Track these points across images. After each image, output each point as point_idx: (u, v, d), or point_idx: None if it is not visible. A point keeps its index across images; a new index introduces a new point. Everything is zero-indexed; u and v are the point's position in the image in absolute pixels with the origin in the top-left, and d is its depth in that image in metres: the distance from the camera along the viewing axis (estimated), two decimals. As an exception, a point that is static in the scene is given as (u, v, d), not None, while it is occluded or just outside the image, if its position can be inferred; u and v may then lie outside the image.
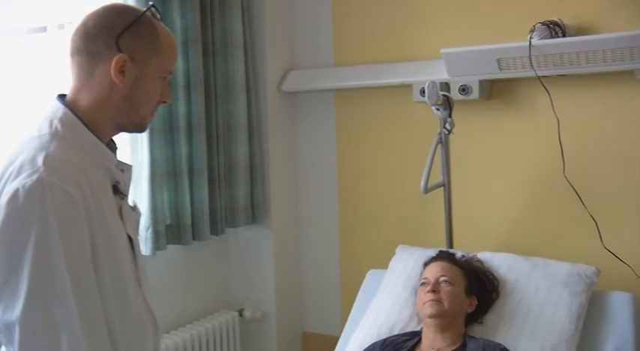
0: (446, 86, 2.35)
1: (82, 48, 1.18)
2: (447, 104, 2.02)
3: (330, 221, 2.80)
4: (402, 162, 2.60)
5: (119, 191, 1.25)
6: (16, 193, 1.05)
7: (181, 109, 2.33)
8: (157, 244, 2.19)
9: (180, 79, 2.33)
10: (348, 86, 2.66)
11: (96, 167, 1.19)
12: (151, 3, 1.24)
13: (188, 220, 2.33)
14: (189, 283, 2.55)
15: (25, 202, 1.04)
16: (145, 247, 2.17)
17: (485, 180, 2.43)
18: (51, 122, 1.15)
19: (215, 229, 2.47)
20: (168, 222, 2.30)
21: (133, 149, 2.21)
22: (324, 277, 2.84)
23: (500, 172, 2.40)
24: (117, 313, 1.19)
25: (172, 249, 2.36)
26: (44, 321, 1.05)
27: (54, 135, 1.13)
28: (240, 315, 2.71)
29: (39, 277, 1.05)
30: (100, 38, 1.17)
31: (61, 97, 1.21)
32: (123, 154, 2.13)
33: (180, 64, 2.32)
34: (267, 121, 2.71)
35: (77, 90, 1.20)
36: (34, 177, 1.06)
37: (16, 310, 1.04)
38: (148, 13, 1.21)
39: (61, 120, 1.16)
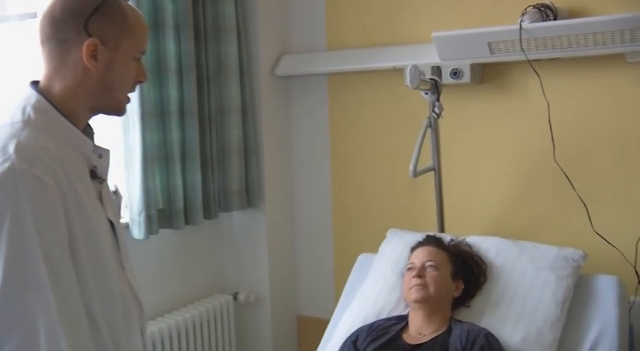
0: (437, 70, 2.34)
1: (52, 35, 1.18)
2: (435, 88, 2.01)
3: (324, 205, 2.81)
4: (394, 145, 2.59)
5: (97, 176, 1.26)
6: None
7: (173, 93, 2.33)
8: (150, 228, 2.21)
9: (172, 64, 2.33)
10: (341, 70, 2.65)
11: (71, 153, 1.19)
12: None
13: (180, 205, 2.35)
14: (184, 267, 2.58)
15: None
16: (138, 231, 2.19)
17: (478, 164, 2.43)
18: (24, 109, 1.15)
19: (208, 214, 2.49)
20: (160, 206, 2.31)
21: (125, 133, 2.22)
22: (319, 262, 2.85)
23: (492, 156, 2.40)
24: (98, 297, 1.20)
25: (165, 233, 2.37)
26: (21, 308, 1.06)
27: (26, 122, 1.14)
28: (235, 299, 2.73)
29: (14, 264, 1.05)
30: (69, 24, 1.16)
31: (34, 83, 1.21)
32: (112, 138, 2.16)
33: (171, 48, 2.32)
34: (260, 105, 2.71)
35: (50, 77, 1.20)
36: (6, 165, 1.06)
37: None
38: None
39: (34, 107, 1.16)
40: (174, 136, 2.34)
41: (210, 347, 2.56)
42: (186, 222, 2.39)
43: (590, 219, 2.15)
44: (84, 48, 1.17)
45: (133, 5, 2.08)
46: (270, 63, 2.74)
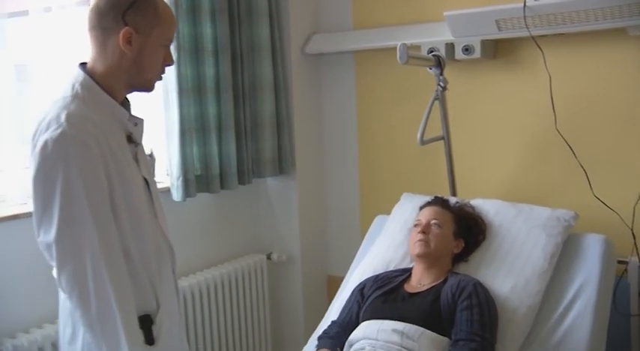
0: (451, 46, 2.52)
1: (96, 24, 1.45)
2: (439, 63, 2.20)
3: (352, 172, 3.05)
4: (415, 116, 2.74)
5: (133, 140, 1.53)
6: (45, 143, 1.34)
7: (209, 71, 2.58)
8: (187, 192, 2.48)
9: (209, 45, 2.57)
10: (365, 48, 2.85)
11: (111, 121, 1.46)
12: None
13: (216, 171, 2.62)
14: (221, 228, 2.86)
15: (52, 150, 1.34)
16: (176, 194, 2.48)
17: (487, 134, 2.61)
18: (73, 86, 1.44)
19: (242, 180, 2.75)
20: (198, 173, 2.59)
21: (165, 108, 2.49)
22: (347, 225, 3.09)
23: (501, 127, 2.57)
24: (133, 238, 1.47)
25: (203, 197, 2.65)
26: (72, 241, 1.35)
27: (75, 96, 1.42)
28: (268, 258, 3.00)
29: (66, 206, 1.34)
30: (110, 15, 1.43)
31: (82, 64, 1.49)
32: (154, 111, 2.44)
33: (208, 31, 2.57)
34: (292, 82, 2.94)
35: (94, 59, 1.47)
36: (59, 131, 1.34)
37: (52, 233, 1.35)
38: None
39: (82, 84, 1.44)
40: (211, 110, 2.60)
41: (245, 301, 2.85)
42: (222, 187, 2.66)
43: (590, 184, 2.30)
44: (121, 35, 1.43)
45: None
46: (300, 42, 2.97)
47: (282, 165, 2.91)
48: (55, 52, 2.23)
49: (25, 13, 2.24)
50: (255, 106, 2.80)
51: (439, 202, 2.18)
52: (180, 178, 2.45)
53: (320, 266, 3.17)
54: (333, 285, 3.16)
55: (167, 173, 2.54)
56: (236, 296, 2.80)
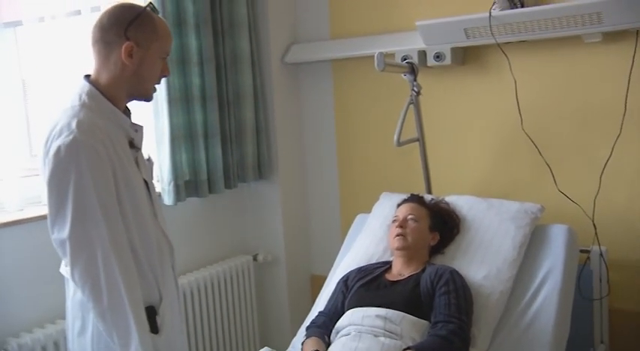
0: (423, 54, 2.69)
1: (100, 38, 1.58)
2: (412, 70, 2.37)
3: (331, 174, 3.20)
4: (390, 120, 2.90)
5: (134, 146, 1.66)
6: (58, 149, 1.47)
7: (196, 81, 2.72)
8: (178, 196, 2.61)
9: (194, 56, 2.71)
10: (342, 56, 3.01)
11: (115, 128, 1.60)
12: (150, 1, 1.63)
13: (204, 176, 2.74)
14: (209, 230, 2.99)
15: (65, 155, 1.46)
16: (168, 198, 2.60)
17: (459, 135, 2.78)
18: (80, 96, 1.57)
19: (229, 184, 2.88)
20: (187, 178, 2.71)
21: (155, 117, 2.62)
22: (328, 225, 3.24)
23: (472, 128, 2.75)
24: (138, 236, 1.61)
25: (192, 201, 2.78)
26: (84, 238, 1.48)
27: (82, 105, 1.55)
28: (254, 259, 3.13)
29: (78, 206, 1.47)
30: (112, 30, 1.57)
31: (87, 76, 1.62)
32: (145, 120, 2.55)
33: (193, 43, 2.70)
34: (272, 90, 3.09)
35: (98, 71, 1.61)
36: (71, 137, 1.47)
37: (66, 231, 1.47)
38: (147, 9, 1.60)
39: (87, 94, 1.57)
40: (198, 117, 2.72)
41: (233, 300, 2.98)
42: (210, 191, 2.79)
43: (554, 179, 2.49)
44: (123, 49, 1.56)
45: (159, 9, 2.50)
46: (280, 52, 3.12)
47: (262, 170, 3.05)
48: (46, 63, 2.35)
49: (19, 23, 2.35)
50: (239, 114, 2.94)
51: (415, 198, 2.34)
52: (172, 183, 2.57)
53: (304, 266, 3.31)
54: (316, 284, 3.29)
55: (157, 180, 2.66)
56: (224, 296, 2.93)
